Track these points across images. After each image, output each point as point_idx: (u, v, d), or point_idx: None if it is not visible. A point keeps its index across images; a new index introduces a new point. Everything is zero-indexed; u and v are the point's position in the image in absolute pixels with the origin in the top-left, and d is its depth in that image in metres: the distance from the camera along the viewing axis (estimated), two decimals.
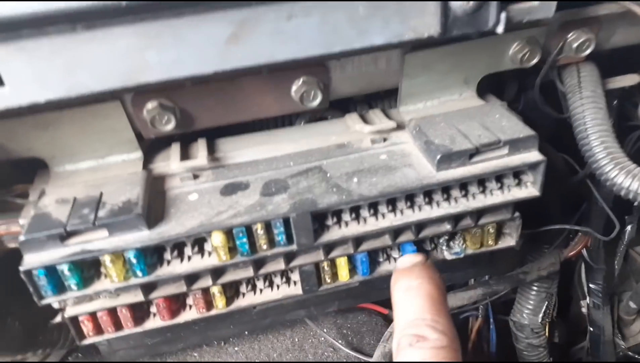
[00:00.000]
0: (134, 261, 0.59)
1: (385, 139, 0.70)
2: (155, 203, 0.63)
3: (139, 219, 0.58)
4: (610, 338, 1.16)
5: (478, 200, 0.65)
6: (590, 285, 1.14)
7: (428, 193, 0.65)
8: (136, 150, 0.69)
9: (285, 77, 0.65)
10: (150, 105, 0.64)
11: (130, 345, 0.80)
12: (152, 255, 0.62)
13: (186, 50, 0.51)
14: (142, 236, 0.59)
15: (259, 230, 0.60)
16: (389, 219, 0.64)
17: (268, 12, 0.50)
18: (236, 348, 0.96)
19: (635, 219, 1.10)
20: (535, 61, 0.69)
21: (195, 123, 0.67)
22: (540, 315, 1.17)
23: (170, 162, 0.68)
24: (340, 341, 0.98)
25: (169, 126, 0.65)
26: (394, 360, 0.54)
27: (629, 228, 1.11)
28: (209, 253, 0.63)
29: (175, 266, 0.62)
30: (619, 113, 0.99)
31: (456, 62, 0.69)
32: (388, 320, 1.02)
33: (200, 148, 0.70)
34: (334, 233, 0.64)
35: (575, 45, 0.70)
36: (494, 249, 0.73)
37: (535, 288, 1.17)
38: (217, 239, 0.59)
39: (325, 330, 1.00)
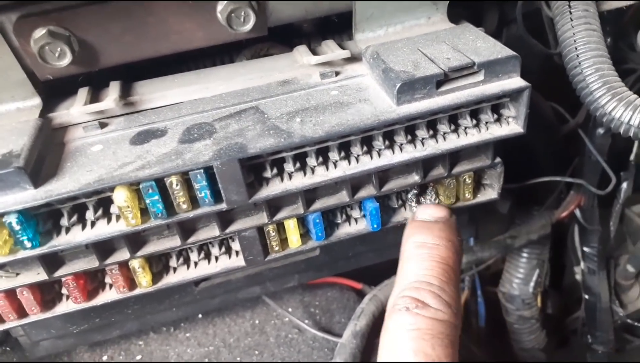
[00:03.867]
0: (16, 227, 0.47)
1: (337, 73, 0.57)
2: (49, 157, 0.51)
3: (19, 175, 0.46)
4: (607, 306, 1.05)
5: (450, 141, 0.53)
6: (585, 249, 1.03)
7: (388, 135, 0.52)
8: (32, 96, 0.56)
9: None
10: (38, 33, 0.51)
11: (52, 334, 0.69)
12: (45, 221, 0.50)
13: None
14: (26, 196, 0.47)
15: (175, 184, 0.47)
16: (342, 168, 0.52)
17: None
18: (187, 334, 0.84)
19: (631, 176, 0.99)
20: None
21: (100, 58, 0.54)
22: (532, 285, 1.07)
23: (72, 108, 0.55)
24: (306, 321, 0.86)
25: (64, 60, 0.52)
26: (385, 321, 0.48)
27: (624, 185, 1.00)
28: (117, 217, 0.50)
29: (75, 234, 0.50)
30: (613, 55, 0.88)
31: None
32: (361, 296, 0.91)
33: (111, 91, 0.57)
34: (274, 187, 0.52)
35: None
36: (472, 203, 0.61)
37: (525, 254, 1.07)
38: (121, 197, 0.47)
39: (290, 310, 0.89)
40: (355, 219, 0.60)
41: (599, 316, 1.06)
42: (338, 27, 0.66)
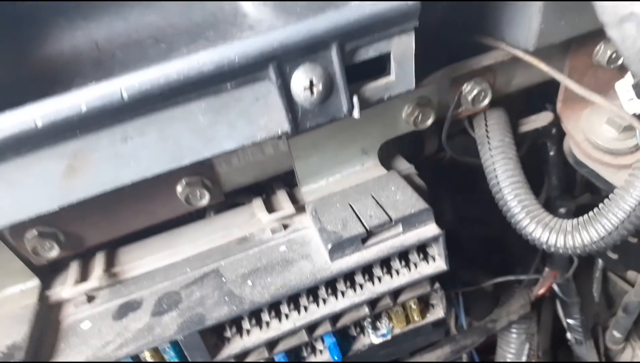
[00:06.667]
0: None
1: (286, 227, 0.66)
2: (46, 339, 0.60)
3: None
4: None
5: (384, 283, 0.60)
6: (569, 321, 1.07)
7: (331, 283, 0.60)
8: (31, 278, 0.66)
9: (167, 180, 0.62)
10: (29, 234, 0.61)
11: None
12: None
13: (22, 193, 0.48)
14: None
15: (148, 357, 0.56)
16: (292, 320, 0.60)
17: (100, 139, 0.48)
18: None
19: None
20: (430, 121, 0.66)
21: (84, 242, 0.64)
22: (523, 359, 1.10)
23: (65, 287, 0.64)
24: None
25: (52, 252, 0.62)
26: None
27: None
28: None
29: None
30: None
31: (348, 135, 0.66)
32: None
33: (96, 265, 0.67)
34: (235, 345, 0.60)
35: (470, 97, 0.66)
36: (423, 324, 0.68)
37: (514, 330, 1.11)
38: None
39: None
40: (320, 351, 0.67)
41: None
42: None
